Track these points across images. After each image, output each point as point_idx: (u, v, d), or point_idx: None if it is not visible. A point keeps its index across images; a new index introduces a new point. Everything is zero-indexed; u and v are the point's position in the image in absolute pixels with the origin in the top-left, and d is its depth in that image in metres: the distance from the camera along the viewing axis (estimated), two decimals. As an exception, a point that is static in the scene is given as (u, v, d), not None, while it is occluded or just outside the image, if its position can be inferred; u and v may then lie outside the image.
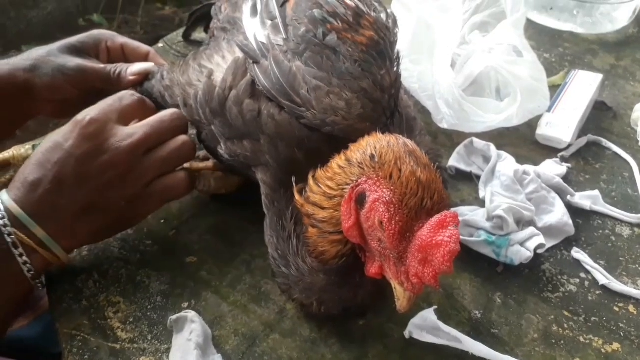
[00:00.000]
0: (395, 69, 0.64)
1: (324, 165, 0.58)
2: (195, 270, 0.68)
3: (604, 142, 0.89)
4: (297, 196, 0.59)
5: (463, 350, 0.60)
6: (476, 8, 1.08)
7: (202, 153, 0.82)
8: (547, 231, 0.71)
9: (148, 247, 0.71)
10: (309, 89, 0.59)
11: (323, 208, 0.56)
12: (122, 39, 0.85)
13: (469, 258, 0.69)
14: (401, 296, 0.52)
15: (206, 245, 0.71)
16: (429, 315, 0.62)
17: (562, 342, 0.62)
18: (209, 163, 0.78)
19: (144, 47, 0.85)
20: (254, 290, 0.66)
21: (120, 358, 0.59)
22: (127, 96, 0.70)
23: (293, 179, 0.60)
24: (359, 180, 0.52)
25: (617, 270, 0.69)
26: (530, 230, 0.69)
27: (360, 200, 0.52)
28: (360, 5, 0.65)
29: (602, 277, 0.68)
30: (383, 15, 0.68)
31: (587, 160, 0.86)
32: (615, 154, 0.87)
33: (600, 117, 0.95)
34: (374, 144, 0.53)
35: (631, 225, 0.76)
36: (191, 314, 0.61)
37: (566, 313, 0.65)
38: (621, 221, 0.76)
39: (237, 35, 0.70)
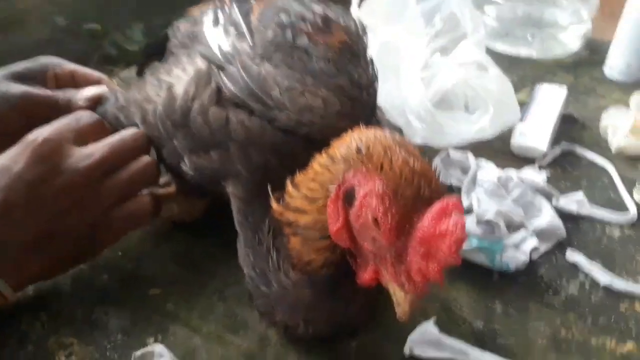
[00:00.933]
0: (370, 70, 0.61)
1: (302, 170, 0.52)
2: (160, 302, 0.60)
3: (578, 150, 0.87)
4: (274, 205, 0.53)
5: (469, 364, 0.54)
6: (436, 33, 1.08)
7: (162, 179, 0.75)
8: (538, 235, 0.67)
9: (105, 282, 0.63)
10: (282, 90, 0.55)
11: (306, 213, 0.50)
12: (71, 66, 0.79)
13: (462, 268, 0.64)
14: (402, 300, 0.45)
15: (171, 276, 0.63)
16: (428, 328, 0.56)
17: (574, 346, 0.56)
18: (171, 188, 0.72)
19: (96, 74, 0.80)
20: (229, 319, 0.58)
21: (74, 407, 0.50)
22: (85, 115, 0.64)
23: (269, 187, 0.54)
24: (346, 176, 0.47)
25: (614, 271, 0.65)
26: (522, 234, 0.65)
27: (348, 198, 0.46)
28: (329, 13, 0.63)
29: (603, 277, 0.64)
30: (352, 24, 0.65)
31: (564, 168, 0.84)
32: (591, 161, 0.86)
33: (569, 129, 0.94)
34: (359, 137, 0.49)
35: (620, 226, 0.72)
36: (158, 347, 0.52)
37: (572, 317, 0.60)
38: (610, 223, 0.73)
39: (199, 46, 0.66)
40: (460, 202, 0.43)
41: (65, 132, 0.60)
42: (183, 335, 0.56)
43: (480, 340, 0.56)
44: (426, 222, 0.42)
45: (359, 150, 0.47)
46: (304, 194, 0.51)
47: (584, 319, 0.60)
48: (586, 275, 0.65)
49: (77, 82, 0.79)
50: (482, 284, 0.63)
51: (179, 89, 0.61)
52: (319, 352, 0.55)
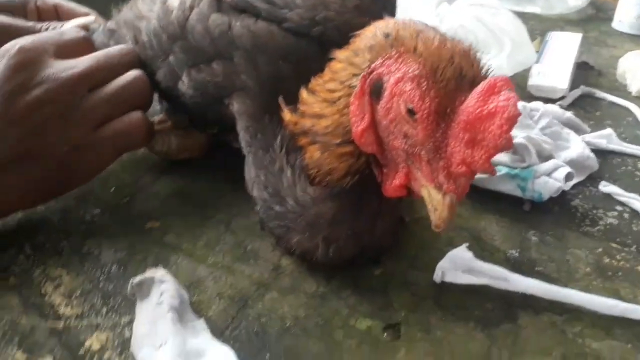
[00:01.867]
0: None
1: (317, 76, 0.47)
2: (160, 235, 0.54)
3: (597, 92, 0.83)
4: (288, 115, 0.47)
5: (509, 290, 0.48)
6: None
7: (157, 117, 0.69)
8: (570, 166, 0.61)
9: (96, 217, 0.56)
10: None
11: (325, 116, 0.44)
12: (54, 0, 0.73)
13: (489, 198, 0.59)
14: (439, 204, 0.39)
15: (170, 209, 0.57)
16: (460, 253, 0.50)
17: (620, 273, 0.51)
18: (167, 124, 0.65)
19: (82, 9, 0.73)
20: (238, 250, 0.52)
21: (64, 337, 0.43)
22: (70, 31, 0.58)
23: (280, 98, 0.48)
24: (373, 66, 0.41)
25: (653, 202, 0.60)
26: (554, 162, 0.60)
27: (375, 90, 0.41)
28: None
29: (642, 206, 0.59)
30: None
31: (585, 109, 0.79)
32: (611, 103, 0.81)
33: (586, 75, 0.90)
34: (384, 25, 0.43)
35: (652, 160, 0.68)
36: (159, 272, 0.46)
37: (614, 245, 0.54)
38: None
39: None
40: (509, 80, 0.37)
41: (45, 43, 0.53)
42: (187, 266, 0.50)
43: (517, 268, 0.51)
44: (472, 102, 0.36)
45: (387, 35, 0.41)
46: (322, 97, 0.45)
47: (628, 247, 0.54)
48: (623, 205, 0.60)
49: (61, 16, 0.72)
50: (513, 215, 0.58)
51: (174, 1, 0.55)
52: (339, 280, 0.48)
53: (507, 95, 0.36)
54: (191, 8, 0.53)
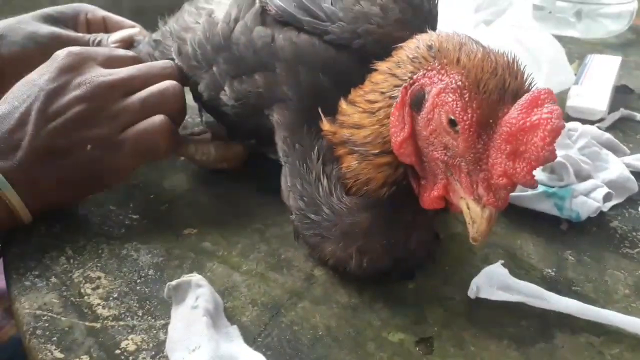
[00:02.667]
0: None
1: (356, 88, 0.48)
2: (196, 241, 0.55)
3: (637, 116, 0.81)
4: (326, 126, 0.48)
5: (546, 308, 0.47)
6: (477, 7, 1.04)
7: (197, 128, 0.71)
8: (609, 187, 0.60)
9: (135, 222, 0.57)
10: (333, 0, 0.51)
11: (364, 127, 0.45)
12: (104, 12, 0.76)
13: (526, 217, 0.58)
14: (478, 217, 0.40)
15: (207, 217, 0.58)
16: (496, 270, 0.49)
17: (661, 296, 0.50)
18: (206, 135, 0.67)
19: (129, 22, 0.76)
20: (272, 258, 0.53)
21: (101, 338, 0.44)
22: (120, 50, 0.61)
23: (319, 110, 0.49)
24: (415, 77, 0.42)
25: (695, 227, 0.58)
26: (592, 182, 0.59)
27: (416, 102, 0.41)
28: None
29: (685, 229, 0.57)
30: None
31: (625, 132, 0.78)
32: (653, 126, 0.79)
33: (625, 99, 0.88)
34: (427, 37, 0.44)
35: (694, 185, 0.66)
36: (196, 277, 0.47)
37: (655, 268, 0.53)
38: (682, 182, 0.66)
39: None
40: (553, 93, 0.37)
41: (94, 52, 0.56)
42: (221, 272, 0.51)
43: (553, 288, 0.50)
44: (515, 113, 0.36)
45: (430, 48, 0.42)
46: (362, 108, 0.46)
47: (669, 270, 0.53)
48: (664, 228, 0.59)
49: (109, 29, 0.76)
50: (549, 234, 0.57)
51: (220, 14, 0.57)
52: (372, 292, 0.48)
53: (550, 107, 0.36)
54: (236, 20, 0.55)
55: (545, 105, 0.36)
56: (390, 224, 0.46)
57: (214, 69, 0.56)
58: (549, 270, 0.52)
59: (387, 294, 0.49)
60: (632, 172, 0.65)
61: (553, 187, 0.58)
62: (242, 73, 0.54)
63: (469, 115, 0.38)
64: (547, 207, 0.58)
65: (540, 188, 0.58)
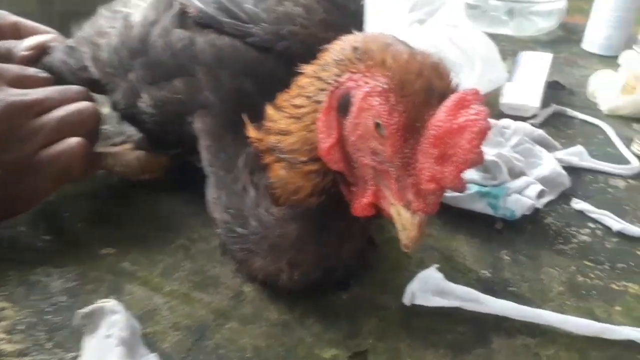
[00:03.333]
0: None
1: (282, 92, 0.45)
2: (114, 262, 0.51)
3: (568, 111, 0.83)
4: (252, 133, 0.45)
5: (482, 312, 0.46)
6: (412, 7, 1.04)
7: (118, 138, 0.66)
8: (542, 183, 0.60)
9: (47, 243, 0.53)
10: (256, 0, 0.48)
11: (291, 133, 0.42)
12: (15, 17, 0.70)
13: (461, 218, 0.57)
14: (408, 223, 0.38)
15: (127, 235, 0.54)
16: (430, 274, 0.48)
17: (594, 291, 0.50)
18: (126, 145, 0.63)
19: (43, 27, 0.71)
20: (196, 276, 0.49)
21: (2, 377, 0.40)
22: (32, 69, 0.57)
23: (244, 116, 0.46)
24: (340, 80, 0.39)
25: (625, 218, 0.59)
26: (525, 179, 0.59)
27: (343, 106, 0.39)
28: None
29: (615, 223, 0.57)
30: None
31: (557, 127, 0.79)
32: (583, 121, 0.81)
33: (557, 95, 0.90)
34: (352, 39, 0.41)
35: (624, 177, 0.67)
36: (110, 303, 0.43)
37: (587, 263, 0.53)
38: (612, 174, 0.67)
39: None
40: (479, 94, 0.36)
41: (3, 71, 0.51)
42: (141, 295, 0.47)
43: (489, 289, 0.49)
44: (441, 116, 0.35)
45: (355, 50, 0.40)
46: (289, 113, 0.43)
47: (601, 264, 0.53)
48: (596, 222, 0.59)
49: (22, 35, 0.70)
50: (484, 234, 0.56)
51: (137, 17, 0.53)
52: (304, 307, 0.46)
53: (477, 109, 0.34)
54: (154, 23, 0.51)
55: (472, 107, 0.34)
56: (321, 233, 0.43)
57: (131, 75, 0.52)
58: (485, 272, 0.51)
59: (320, 307, 0.46)
60: (565, 167, 0.65)
61: (486, 186, 0.57)
62: (160, 79, 0.51)
63: (395, 119, 0.36)
64: (481, 206, 0.57)
65: (474, 188, 0.57)
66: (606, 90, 0.84)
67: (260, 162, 0.45)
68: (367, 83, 0.37)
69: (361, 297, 0.48)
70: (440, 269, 0.49)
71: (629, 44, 1.02)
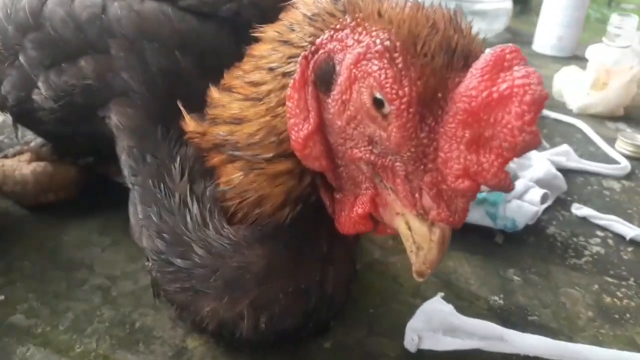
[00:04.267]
0: None
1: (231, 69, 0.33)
2: (2, 315, 0.36)
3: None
4: (191, 125, 0.33)
5: (506, 352, 0.35)
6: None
7: (11, 149, 0.51)
8: (538, 186, 0.51)
9: None
10: None
11: (247, 120, 0.30)
12: None
13: (454, 232, 0.47)
14: (424, 241, 0.27)
15: (21, 275, 0.40)
16: (436, 307, 0.37)
17: (628, 314, 0.41)
18: (23, 156, 0.48)
19: None
20: (120, 329, 0.36)
21: None
22: None
23: (179, 103, 0.34)
24: (318, 41, 0.28)
25: (632, 223, 0.51)
26: (523, 182, 0.50)
27: (323, 76, 0.28)
28: None
29: (627, 229, 0.49)
30: None
31: (530, 127, 0.71)
32: (556, 120, 0.74)
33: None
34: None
35: (616, 178, 0.60)
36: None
37: (609, 279, 0.45)
38: (601, 175, 0.60)
39: None
40: (520, 50, 0.25)
41: None
42: (39, 362, 0.33)
43: (506, 320, 0.39)
44: (474, 82, 0.24)
45: (335, 0, 0.29)
46: (243, 94, 0.31)
47: (625, 280, 0.44)
48: (603, 229, 0.51)
49: None
50: (485, 250, 0.46)
51: (25, -14, 0.40)
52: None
53: (524, 70, 0.24)
54: (49, -11, 0.38)
55: (516, 68, 0.24)
56: (298, 260, 0.31)
57: (21, 58, 0.39)
58: (495, 298, 0.41)
59: (297, 361, 0.34)
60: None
61: (482, 191, 0.47)
62: (60, 60, 0.38)
63: (406, 89, 0.25)
64: (477, 216, 0.47)
65: (468, 194, 0.47)
66: (575, 88, 0.78)
67: (204, 165, 0.33)
68: (358, 42, 0.26)
69: (348, 344, 0.36)
70: (443, 299, 0.38)
71: (580, 45, 0.98)
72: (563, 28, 1.02)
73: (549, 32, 1.03)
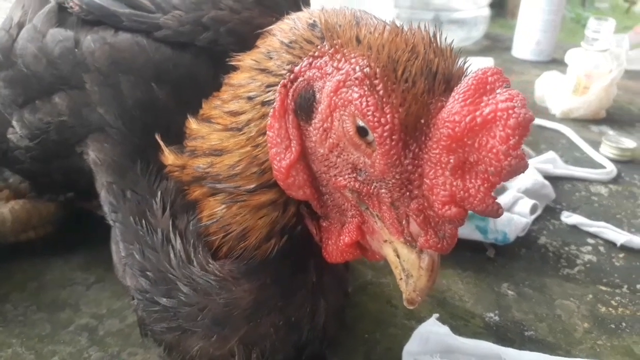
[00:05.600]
0: None
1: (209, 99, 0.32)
2: (-17, 364, 0.35)
3: (522, 117, 0.75)
4: (170, 158, 0.32)
5: (504, 371, 0.35)
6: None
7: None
8: (526, 196, 0.51)
9: None
10: None
11: (228, 151, 0.30)
12: None
13: (445, 247, 0.46)
14: (413, 268, 0.26)
15: (4, 318, 0.39)
16: (431, 329, 0.36)
17: (623, 323, 0.40)
18: (2, 193, 0.47)
19: None
20: (109, 372, 0.34)
21: None
22: None
23: (157, 136, 0.33)
24: (297, 69, 0.27)
25: (622, 228, 0.51)
26: (511, 193, 0.50)
27: (303, 105, 0.27)
28: None
29: (617, 235, 0.49)
30: None
31: (515, 135, 0.71)
32: (539, 126, 0.74)
33: (502, 101, 0.83)
34: (305, 15, 0.30)
35: (603, 183, 0.60)
36: None
37: (603, 287, 0.44)
38: (589, 180, 0.60)
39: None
40: (502, 72, 0.25)
41: None
42: (23, 413, 0.31)
43: (503, 337, 0.38)
44: (456, 107, 0.24)
45: (313, 26, 0.28)
46: (222, 124, 0.30)
47: (619, 288, 0.44)
48: (594, 237, 0.50)
49: None
50: (476, 265, 0.46)
51: (-5, 23, 0.39)
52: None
53: (507, 93, 0.24)
54: (20, 25, 0.37)
55: (498, 91, 0.24)
56: (286, 293, 0.30)
57: (-6, 98, 0.38)
58: (491, 314, 0.40)
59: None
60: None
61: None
62: (34, 97, 0.37)
63: (388, 117, 0.24)
64: (467, 231, 0.46)
65: (457, 209, 0.46)
66: (556, 93, 0.78)
67: (186, 198, 0.32)
68: (338, 69, 0.26)
69: (344, 373, 0.35)
70: (438, 319, 0.38)
71: (557, 48, 0.99)
72: (540, 32, 1.03)
73: (527, 37, 1.04)
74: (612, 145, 0.65)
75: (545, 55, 1.03)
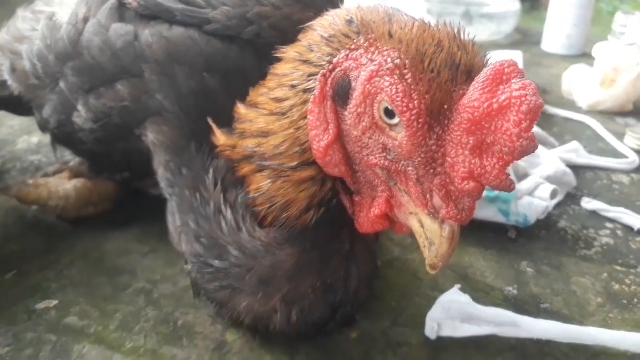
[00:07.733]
0: None
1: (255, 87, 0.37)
2: (57, 317, 0.40)
3: (548, 109, 0.78)
4: (221, 139, 0.36)
5: (521, 337, 0.38)
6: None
7: (51, 168, 0.56)
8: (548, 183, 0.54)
9: (-35, 302, 0.41)
10: None
11: (273, 133, 0.34)
12: None
13: (469, 229, 0.48)
14: (436, 237, 0.30)
15: (71, 282, 0.43)
16: (453, 298, 0.40)
17: (636, 300, 0.43)
18: (63, 174, 0.52)
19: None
20: (165, 327, 0.39)
21: None
22: None
23: (209, 120, 0.37)
24: (335, 61, 0.31)
25: (641, 215, 0.53)
26: (533, 179, 0.52)
27: (341, 92, 0.31)
28: None
29: (636, 220, 0.52)
30: None
31: (541, 126, 0.73)
32: (565, 118, 0.77)
33: (530, 94, 0.85)
34: (343, 12, 0.34)
35: (626, 172, 0.62)
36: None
37: (618, 267, 0.47)
38: (611, 169, 0.62)
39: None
40: (518, 65, 0.28)
41: None
42: (96, 357, 0.36)
43: (521, 308, 0.41)
44: (476, 94, 0.27)
45: (350, 22, 0.32)
46: (268, 109, 0.34)
47: (633, 268, 0.47)
48: (613, 222, 0.53)
49: None
50: (499, 245, 0.49)
51: (64, 16, 0.44)
52: (306, 354, 0.37)
53: (521, 82, 0.27)
54: (86, 20, 0.42)
55: (514, 81, 0.27)
56: (323, 259, 0.34)
57: (62, 84, 0.43)
58: (510, 289, 0.44)
59: (327, 351, 0.37)
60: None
61: (494, 190, 0.50)
62: (99, 85, 0.41)
63: (415, 102, 0.28)
64: (491, 213, 0.49)
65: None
66: (584, 86, 0.80)
67: (235, 175, 0.36)
68: (372, 61, 0.30)
69: (373, 334, 0.39)
70: (460, 290, 0.41)
71: (589, 42, 1.00)
72: (571, 27, 1.04)
73: (558, 31, 1.05)
74: (636, 136, 0.67)
75: (576, 49, 1.05)
